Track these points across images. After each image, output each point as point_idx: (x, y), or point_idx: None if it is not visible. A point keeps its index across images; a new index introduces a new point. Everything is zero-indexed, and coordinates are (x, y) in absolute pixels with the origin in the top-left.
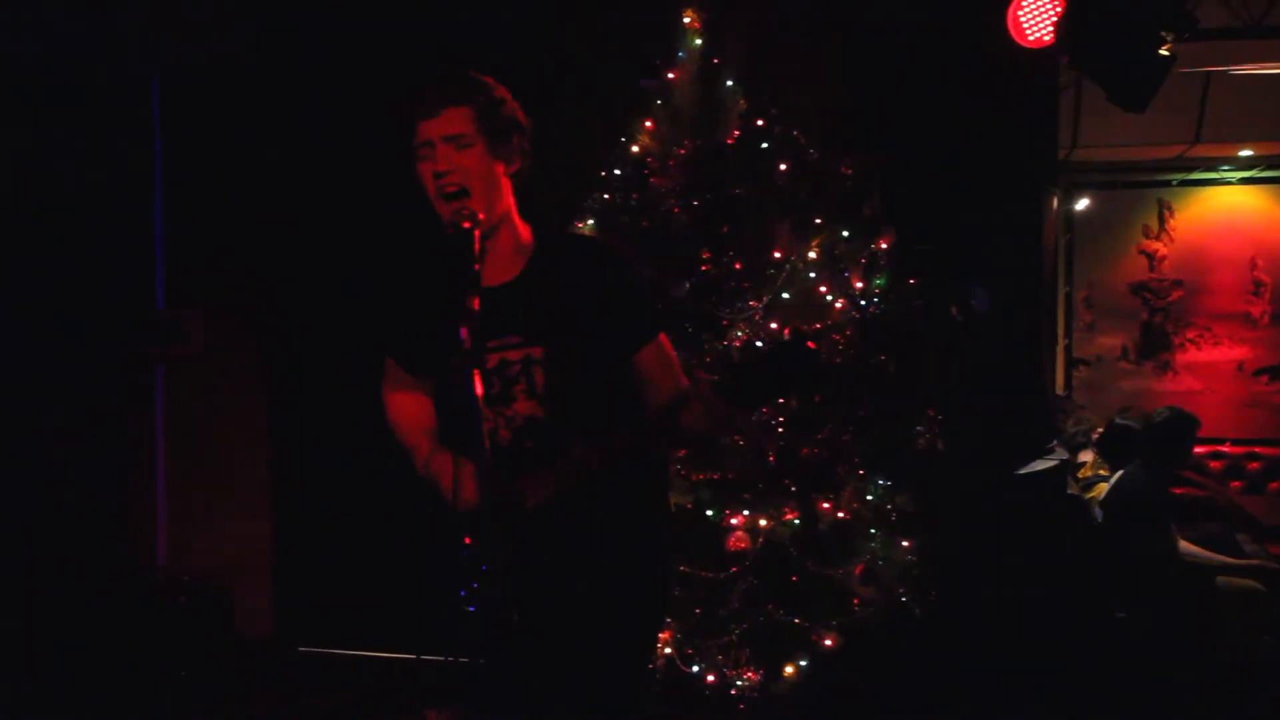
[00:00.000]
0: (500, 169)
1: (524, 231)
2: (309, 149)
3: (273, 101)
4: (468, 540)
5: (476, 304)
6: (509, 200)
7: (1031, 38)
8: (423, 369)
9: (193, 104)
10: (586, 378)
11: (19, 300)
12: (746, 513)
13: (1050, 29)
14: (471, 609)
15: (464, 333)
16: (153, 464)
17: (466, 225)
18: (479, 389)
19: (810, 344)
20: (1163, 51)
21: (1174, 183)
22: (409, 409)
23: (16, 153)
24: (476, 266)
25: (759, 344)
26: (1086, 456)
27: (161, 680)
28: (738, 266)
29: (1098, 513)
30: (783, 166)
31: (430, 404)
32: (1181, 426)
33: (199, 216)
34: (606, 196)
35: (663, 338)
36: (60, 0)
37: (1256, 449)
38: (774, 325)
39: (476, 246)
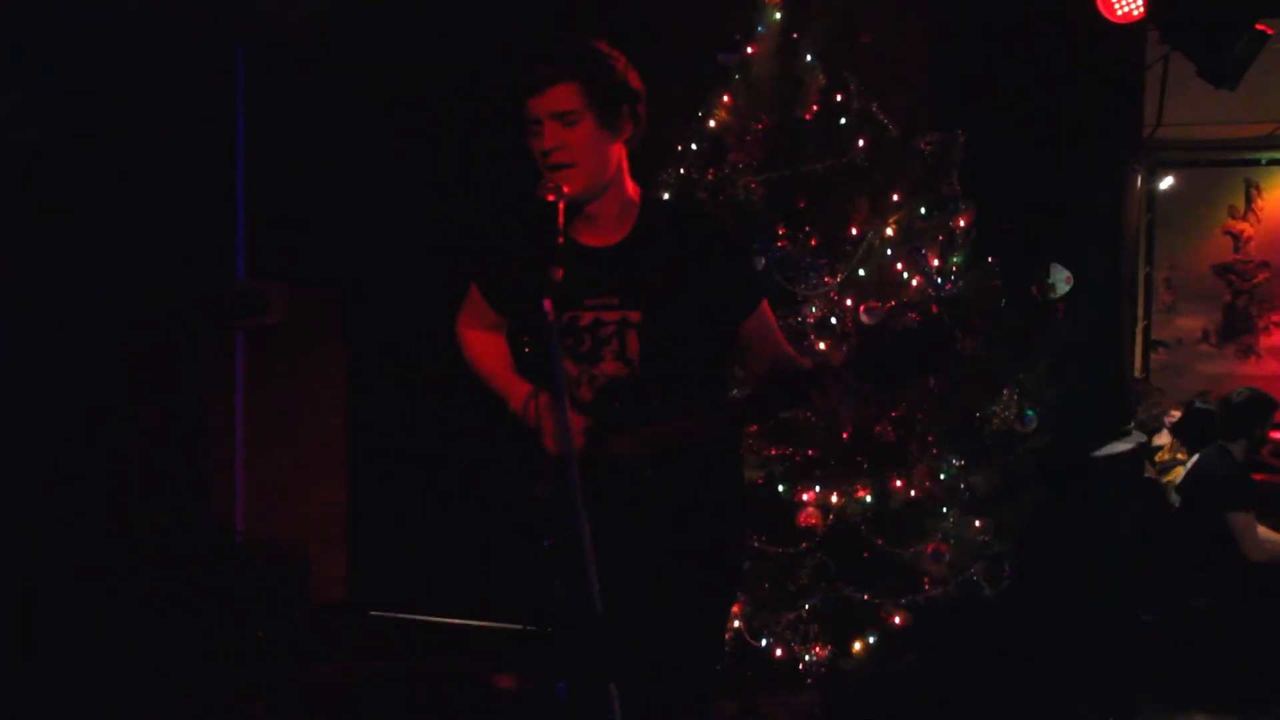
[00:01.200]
0: (609, 138)
1: (632, 193)
2: (391, 119)
3: (354, 71)
4: (543, 489)
5: (560, 274)
6: (619, 166)
7: (1120, 12)
8: (504, 309)
9: (275, 74)
10: (682, 344)
11: (102, 270)
12: (818, 489)
13: (1141, 3)
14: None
15: (547, 304)
16: (232, 430)
17: (550, 198)
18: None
19: (945, 320)
20: (1262, 28)
21: (1263, 161)
22: (488, 347)
23: (99, 124)
24: (560, 240)
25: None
26: (1163, 440)
27: (238, 641)
28: (814, 243)
29: (1175, 498)
30: (861, 142)
31: (504, 343)
32: (1259, 406)
33: (280, 187)
34: (682, 171)
35: (765, 304)
36: None
37: None
38: (849, 302)
39: (560, 220)
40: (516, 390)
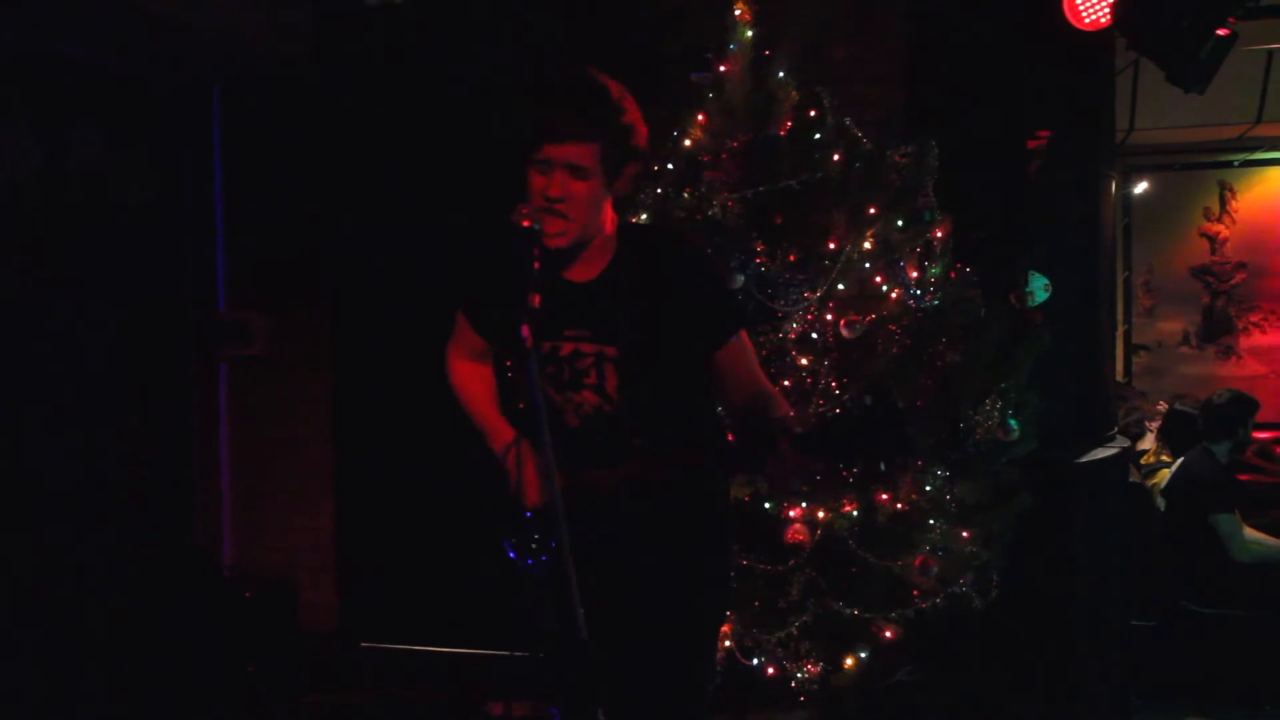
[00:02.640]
0: (606, 194)
1: (611, 227)
2: (367, 149)
3: (329, 102)
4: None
5: (537, 301)
6: (607, 214)
7: (1088, 20)
8: (487, 333)
9: (250, 107)
10: (658, 378)
11: (83, 304)
12: (804, 505)
13: (1107, 11)
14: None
15: (525, 330)
16: (218, 462)
17: (526, 224)
18: (542, 380)
19: (897, 406)
20: (1222, 31)
21: (1235, 163)
22: (473, 380)
23: (77, 157)
24: (536, 265)
25: (847, 404)
26: (1147, 444)
27: (229, 674)
28: (792, 258)
29: (1161, 501)
30: (836, 157)
31: (491, 376)
32: (1240, 408)
33: (259, 219)
34: (660, 191)
35: (743, 335)
36: (119, 7)
37: None
38: (829, 316)
39: (537, 248)
40: (499, 433)
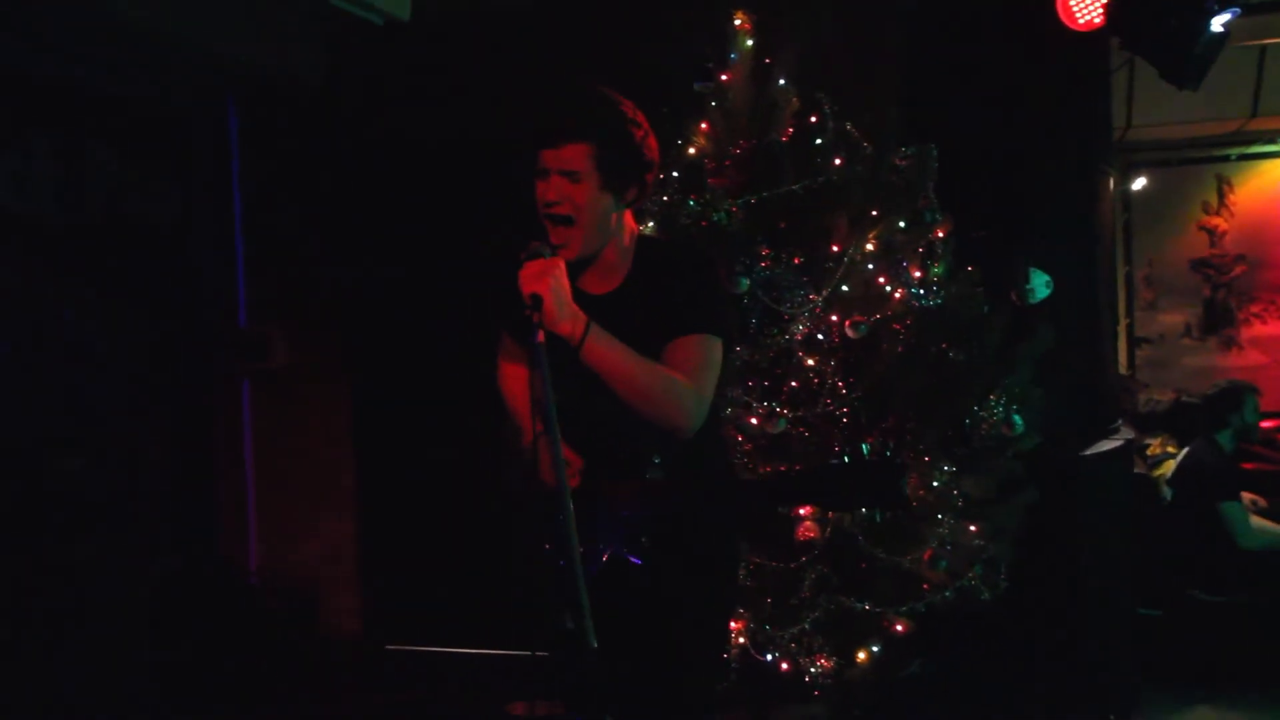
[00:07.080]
0: (612, 202)
1: (630, 238)
2: (381, 165)
3: (343, 120)
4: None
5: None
6: (619, 224)
7: (1082, 21)
8: (515, 333)
9: (266, 125)
10: None
11: (107, 323)
12: None
13: (1100, 11)
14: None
15: (540, 337)
16: (243, 473)
17: (535, 244)
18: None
19: (895, 463)
20: (1215, 28)
21: (1232, 157)
22: (514, 380)
23: (98, 177)
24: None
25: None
26: (1154, 436)
27: (256, 679)
28: (796, 261)
29: (1167, 491)
30: (837, 161)
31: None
32: (1233, 396)
33: (277, 234)
34: (665, 199)
35: (703, 340)
36: (137, 25)
37: None
38: (835, 318)
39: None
40: (528, 431)
